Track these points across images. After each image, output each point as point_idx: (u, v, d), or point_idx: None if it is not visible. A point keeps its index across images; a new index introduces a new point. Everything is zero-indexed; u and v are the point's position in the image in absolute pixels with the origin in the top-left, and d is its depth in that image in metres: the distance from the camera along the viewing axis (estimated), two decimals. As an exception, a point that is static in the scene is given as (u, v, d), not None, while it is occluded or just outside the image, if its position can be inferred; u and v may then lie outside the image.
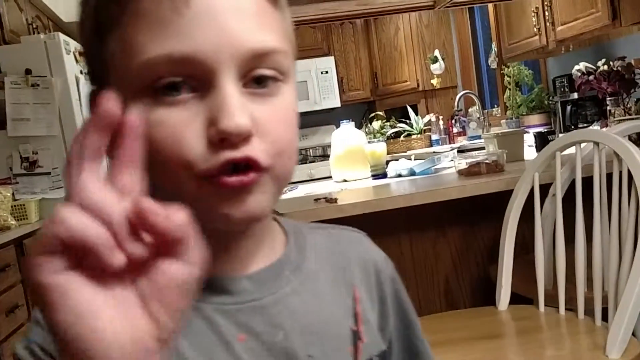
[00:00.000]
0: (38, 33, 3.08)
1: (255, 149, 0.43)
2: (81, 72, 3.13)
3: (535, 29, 2.83)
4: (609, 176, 1.32)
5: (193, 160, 0.41)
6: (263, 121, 0.44)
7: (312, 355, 0.49)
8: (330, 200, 1.68)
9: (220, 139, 0.41)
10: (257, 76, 0.44)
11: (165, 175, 0.42)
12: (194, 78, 0.42)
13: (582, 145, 1.38)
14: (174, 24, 0.40)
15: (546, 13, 2.72)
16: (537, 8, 2.79)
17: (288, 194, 2.22)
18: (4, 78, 2.81)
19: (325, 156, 4.73)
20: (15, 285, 2.44)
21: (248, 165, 0.42)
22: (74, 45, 3.11)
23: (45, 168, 2.87)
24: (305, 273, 0.52)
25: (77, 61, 3.10)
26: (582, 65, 2.66)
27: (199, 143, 0.41)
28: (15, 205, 2.70)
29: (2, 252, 2.35)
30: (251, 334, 0.47)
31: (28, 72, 2.83)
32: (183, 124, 0.41)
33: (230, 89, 0.41)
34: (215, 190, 0.42)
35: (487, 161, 1.80)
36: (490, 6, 3.38)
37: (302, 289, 0.51)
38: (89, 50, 0.47)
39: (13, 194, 2.74)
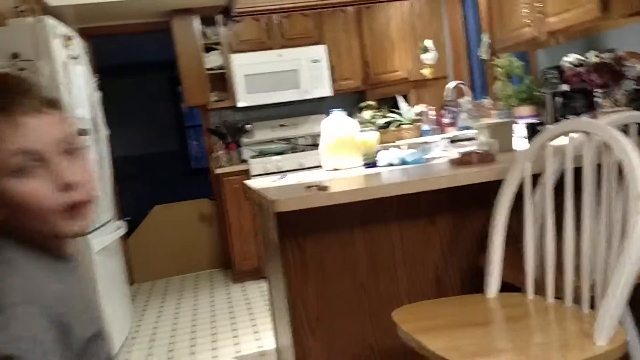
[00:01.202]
0: (26, 16, 3.03)
1: (84, 189, 0.84)
2: (70, 57, 3.09)
3: (526, 20, 2.84)
4: (599, 167, 1.33)
5: (52, 206, 0.79)
6: (80, 172, 0.83)
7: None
8: (321, 187, 1.68)
9: (66, 187, 0.79)
10: (66, 150, 0.81)
11: (37, 220, 0.78)
12: (35, 161, 0.77)
13: (573, 135, 1.39)
14: (15, 137, 0.76)
15: (536, 4, 2.72)
16: (529, -1, 2.79)
17: (279, 182, 2.22)
18: (-9, 61, 2.76)
19: (314, 145, 4.72)
20: None
21: (85, 201, 0.84)
22: (62, 29, 3.07)
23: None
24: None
25: (65, 46, 3.06)
26: (571, 57, 2.67)
27: (50, 194, 0.78)
28: (2, 191, 2.67)
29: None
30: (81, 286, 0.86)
31: (15, 56, 2.79)
32: (38, 187, 0.77)
33: (58, 159, 0.81)
34: (71, 217, 0.81)
35: (478, 151, 1.81)
36: (483, -4, 3.38)
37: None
38: None
39: None
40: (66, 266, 0.84)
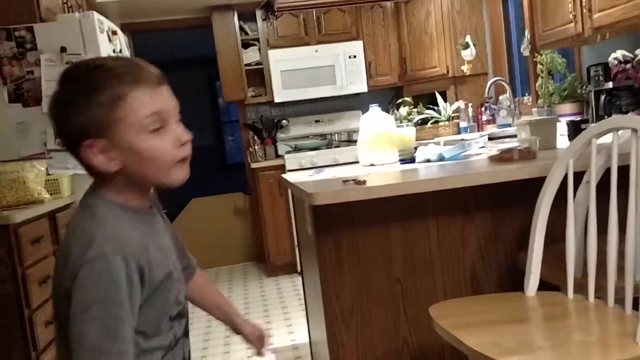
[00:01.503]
0: (73, 11, 3.13)
1: (189, 147, 1.01)
2: (114, 51, 3.17)
3: (571, 16, 2.77)
4: (645, 165, 1.30)
5: (171, 158, 0.96)
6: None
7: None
8: (359, 182, 1.69)
9: (182, 144, 0.97)
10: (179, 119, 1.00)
11: (158, 169, 0.95)
12: (163, 122, 0.95)
13: (620, 132, 1.36)
14: (154, 100, 0.95)
15: (583, 0, 2.66)
16: (574, -6, 2.72)
17: (315, 177, 2.24)
18: (40, 55, 2.87)
19: (350, 141, 4.72)
20: (48, 256, 2.51)
21: (189, 156, 1.01)
22: (107, 24, 3.15)
23: (78, 144, 2.93)
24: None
25: (110, 40, 3.14)
26: (619, 54, 2.60)
27: (171, 149, 0.95)
28: (48, 180, 2.77)
29: (36, 225, 2.42)
30: (157, 233, 1.00)
31: (63, 49, 2.88)
32: (164, 142, 0.95)
33: (178, 122, 0.99)
34: (181, 167, 0.98)
35: (519, 148, 1.79)
36: (525, -8, 3.31)
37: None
38: (91, 121, 0.91)
39: (47, 169, 2.80)
40: (147, 218, 0.99)
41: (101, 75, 0.91)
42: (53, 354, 2.41)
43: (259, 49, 4.63)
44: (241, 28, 4.63)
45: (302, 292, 2.69)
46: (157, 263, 0.93)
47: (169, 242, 1.04)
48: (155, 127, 0.92)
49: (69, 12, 3.21)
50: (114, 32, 3.23)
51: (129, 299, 0.86)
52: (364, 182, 1.67)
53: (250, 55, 4.64)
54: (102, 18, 3.05)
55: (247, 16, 4.62)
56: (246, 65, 4.61)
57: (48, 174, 2.80)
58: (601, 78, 2.85)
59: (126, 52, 3.40)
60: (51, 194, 2.74)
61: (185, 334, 1.04)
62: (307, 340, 2.74)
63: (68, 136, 0.94)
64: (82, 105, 0.90)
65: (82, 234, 0.89)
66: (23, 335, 2.23)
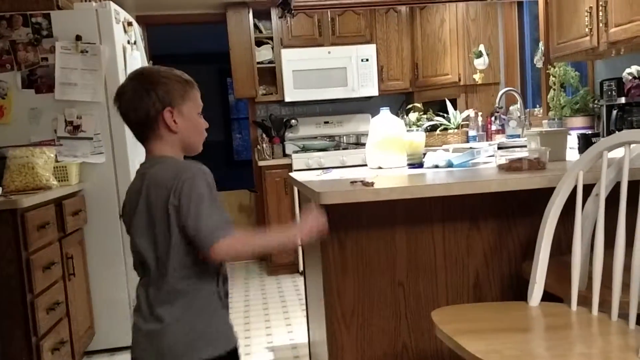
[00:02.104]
0: (89, 0, 3.15)
1: None
2: (128, 42, 3.19)
3: (586, 30, 2.76)
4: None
5: (203, 134, 1.45)
6: None
7: None
8: (367, 183, 1.69)
9: (206, 130, 1.46)
10: None
11: (197, 137, 1.43)
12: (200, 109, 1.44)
13: (632, 147, 1.36)
14: (199, 100, 1.44)
15: (600, 13, 2.65)
16: (590, 7, 2.71)
17: (323, 176, 2.24)
18: (55, 42, 2.89)
19: (358, 144, 4.73)
20: (52, 242, 2.52)
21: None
22: (123, 15, 3.17)
23: (88, 133, 2.94)
24: None
25: (125, 31, 3.16)
26: (633, 69, 2.59)
27: (204, 127, 1.45)
28: (57, 167, 2.79)
29: (43, 211, 2.43)
30: None
31: (78, 38, 2.90)
32: (203, 124, 1.45)
33: None
34: (201, 142, 1.46)
35: (529, 158, 1.78)
36: (541, 3, 3.31)
37: None
38: (170, 97, 1.37)
39: (56, 156, 2.82)
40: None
41: (177, 73, 1.41)
42: (54, 339, 2.42)
43: (272, 48, 4.64)
44: (255, 26, 4.64)
45: (302, 292, 2.69)
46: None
47: None
48: (198, 113, 1.42)
49: (86, 0, 3.23)
50: (130, 24, 3.25)
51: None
52: (372, 183, 1.67)
53: (263, 54, 4.65)
54: (118, 8, 3.07)
55: (261, 14, 4.64)
56: (258, 63, 4.62)
57: (57, 161, 2.82)
58: (614, 93, 2.84)
59: (140, 44, 3.42)
60: (59, 181, 2.76)
61: None
62: (306, 340, 2.74)
63: (154, 107, 1.34)
64: (170, 82, 1.37)
65: (171, 170, 1.31)
66: (24, 320, 2.24)
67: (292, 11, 3.70)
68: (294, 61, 4.48)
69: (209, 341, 1.33)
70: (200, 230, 1.25)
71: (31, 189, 2.56)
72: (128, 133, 3.00)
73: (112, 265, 3.01)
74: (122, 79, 3.00)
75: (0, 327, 2.17)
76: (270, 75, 4.65)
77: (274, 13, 4.55)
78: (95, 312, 3.01)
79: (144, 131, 1.37)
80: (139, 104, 1.34)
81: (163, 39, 5.35)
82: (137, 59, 3.31)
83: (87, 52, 2.90)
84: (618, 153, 1.39)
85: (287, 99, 4.50)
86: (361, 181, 1.74)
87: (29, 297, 2.25)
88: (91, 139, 2.95)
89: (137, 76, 1.40)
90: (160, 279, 1.32)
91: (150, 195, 1.31)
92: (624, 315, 1.29)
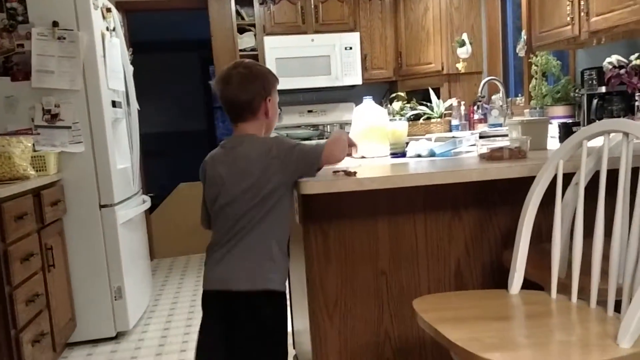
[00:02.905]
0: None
1: None
2: (107, 29, 3.13)
3: (568, 19, 2.77)
4: (634, 170, 1.30)
5: None
6: None
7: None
8: (349, 173, 1.68)
9: None
10: None
11: (274, 124, 1.79)
12: None
13: (611, 136, 1.36)
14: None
15: (581, 3, 2.66)
16: (572, -3, 2.73)
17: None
18: (31, 29, 2.82)
19: (342, 133, 4.71)
20: (31, 233, 2.48)
21: None
22: (102, 1, 3.11)
23: (66, 122, 2.89)
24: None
25: (103, 17, 3.10)
26: (613, 58, 2.61)
27: None
28: (35, 156, 2.74)
29: (21, 201, 2.39)
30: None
31: (55, 24, 2.84)
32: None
33: None
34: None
35: (510, 147, 1.79)
36: (524, -8, 3.31)
37: None
38: (268, 86, 1.73)
39: (33, 145, 2.76)
40: None
41: (265, 67, 1.77)
42: (34, 332, 2.39)
43: (255, 35, 4.59)
44: (237, 12, 4.58)
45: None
46: None
47: None
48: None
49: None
50: (109, 10, 3.18)
51: None
52: (354, 173, 1.67)
53: (246, 41, 4.60)
54: (96, -6, 3.00)
55: (244, 0, 4.58)
56: (241, 50, 4.57)
57: (34, 150, 2.77)
58: (595, 82, 2.86)
59: (120, 31, 3.35)
60: (37, 171, 2.71)
61: None
62: (290, 329, 2.74)
63: (259, 95, 1.66)
64: (268, 75, 1.70)
65: (265, 142, 1.65)
66: (3, 312, 2.20)
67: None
68: (277, 49, 4.44)
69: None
70: (309, 156, 1.61)
71: (8, 179, 2.50)
72: (107, 121, 2.98)
73: (93, 256, 2.98)
74: (101, 66, 2.94)
75: (-22, 320, 2.13)
76: (253, 63, 4.60)
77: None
78: (76, 303, 2.98)
79: (244, 113, 1.65)
80: (250, 88, 1.62)
81: (144, 25, 5.26)
82: (117, 46, 3.25)
83: (64, 38, 2.84)
84: (598, 142, 1.40)
85: (270, 88, 4.46)
86: (343, 171, 1.73)
87: (7, 289, 2.22)
88: (70, 127, 2.90)
89: (241, 66, 1.66)
90: None
91: (252, 171, 1.60)
92: (602, 302, 1.30)
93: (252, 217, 1.62)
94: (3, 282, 2.20)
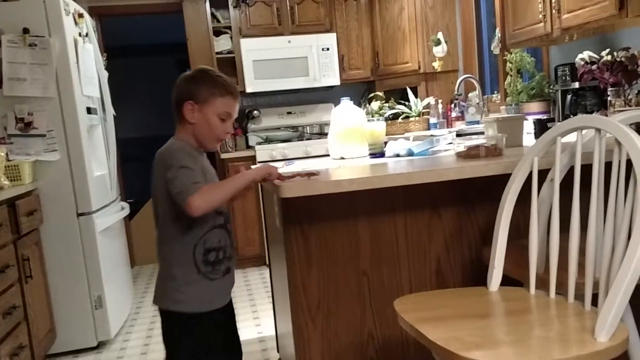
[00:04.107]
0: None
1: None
2: (80, 35, 3.08)
3: (540, 16, 2.81)
4: (608, 165, 1.32)
5: (217, 135, 1.67)
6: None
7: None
8: (309, 174, 1.67)
9: (226, 134, 1.69)
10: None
11: (208, 136, 1.65)
12: (228, 118, 1.67)
13: (584, 132, 1.38)
14: (232, 107, 1.66)
15: (553, 0, 2.70)
16: (544, -6, 2.77)
17: (285, 169, 2.22)
18: (1, 36, 2.76)
19: (321, 134, 4.72)
20: (6, 245, 2.43)
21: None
22: (74, 6, 3.06)
23: (40, 130, 2.84)
24: None
25: (75, 23, 3.05)
26: (585, 54, 2.65)
27: (221, 132, 1.67)
28: (9, 166, 2.68)
29: (-5, 212, 2.34)
30: (206, 163, 1.73)
31: (26, 31, 2.79)
32: (221, 127, 1.65)
33: (231, 123, 1.70)
34: (216, 144, 1.71)
35: (486, 145, 1.80)
36: (497, -10, 3.35)
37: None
38: (198, 93, 1.63)
39: (7, 155, 2.71)
40: (197, 154, 1.65)
41: (216, 77, 1.64)
42: (12, 345, 2.34)
43: (231, 37, 4.57)
44: (213, 15, 4.56)
45: (269, 284, 2.68)
46: (203, 169, 1.62)
47: (213, 172, 1.72)
48: (222, 118, 1.63)
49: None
50: (81, 15, 3.13)
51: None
52: (313, 174, 1.66)
53: (222, 44, 4.58)
54: (67, 0, 2.96)
55: (219, 3, 4.55)
56: (217, 53, 4.54)
57: (8, 160, 2.71)
58: (568, 78, 2.91)
59: (93, 36, 3.30)
60: (11, 181, 2.66)
61: (221, 226, 1.67)
62: (273, 332, 2.73)
63: (181, 96, 1.62)
64: (204, 83, 1.61)
65: (168, 147, 1.61)
66: (-21, 325, 2.16)
67: (247, 1, 3.63)
68: (254, 51, 4.42)
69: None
70: (175, 191, 1.50)
71: (-19, 189, 2.45)
72: (83, 128, 2.94)
73: (72, 265, 2.93)
74: (74, 72, 2.90)
75: (-47, 335, 2.08)
76: (230, 65, 4.58)
77: (230, 2, 4.47)
78: (56, 313, 2.93)
79: (174, 113, 1.66)
80: (179, 88, 1.63)
81: (118, 30, 5.20)
82: (90, 52, 3.21)
83: (35, 45, 2.79)
84: (572, 138, 1.42)
85: (249, 90, 4.44)
86: (307, 174, 1.70)
87: (-17, 303, 2.17)
88: (44, 135, 2.85)
89: (199, 69, 1.69)
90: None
91: (153, 176, 1.60)
92: (580, 296, 1.32)
93: (157, 230, 1.65)
94: (-22, 295, 2.15)
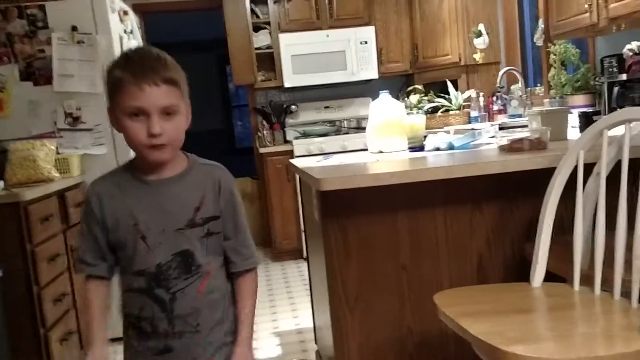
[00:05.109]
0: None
1: (162, 139, 1.16)
2: (125, 32, 3.17)
3: (586, 6, 2.72)
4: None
5: (140, 140, 1.16)
6: (167, 128, 1.17)
7: (173, 209, 1.22)
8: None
9: (151, 135, 1.15)
10: (166, 112, 1.16)
11: (134, 145, 1.18)
12: (143, 113, 1.14)
13: (632, 124, 1.35)
14: (137, 96, 1.13)
15: (600, -11, 2.61)
16: (590, -17, 2.68)
17: (324, 162, 2.23)
18: (51, 34, 2.87)
19: (359, 128, 4.70)
20: (56, 235, 2.54)
21: (161, 145, 1.17)
22: (119, 4, 3.15)
23: (88, 124, 2.94)
24: (184, 181, 1.25)
25: (121, 20, 3.14)
26: (634, 45, 2.56)
27: (143, 135, 1.15)
28: (58, 159, 2.79)
29: (46, 203, 2.44)
30: (154, 199, 1.22)
31: (74, 29, 2.88)
32: (138, 128, 1.15)
33: (155, 118, 1.15)
34: (150, 151, 1.17)
35: (530, 138, 1.77)
36: (541, -20, 3.26)
37: (177, 187, 1.24)
38: (108, 92, 1.19)
39: (57, 148, 2.82)
40: (140, 183, 1.24)
41: (113, 64, 1.19)
42: (61, 330, 2.44)
43: (270, 33, 4.61)
44: (252, 11, 4.60)
45: (307, 277, 2.70)
46: (123, 216, 1.22)
47: (168, 209, 1.23)
48: (135, 115, 1.15)
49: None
50: (125, 12, 3.22)
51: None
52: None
53: (261, 39, 4.62)
54: (113, -2, 3.04)
55: (259, -1, 4.60)
56: (257, 48, 4.58)
57: (58, 153, 2.82)
58: (615, 69, 2.81)
59: (137, 33, 3.39)
60: (61, 173, 2.76)
61: (142, 291, 1.23)
62: (311, 325, 2.76)
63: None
64: (109, 73, 1.18)
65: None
66: (32, 312, 2.26)
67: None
68: (292, 46, 4.44)
69: None
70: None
71: (33, 181, 2.56)
72: (128, 123, 3.02)
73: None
74: (119, 69, 2.98)
75: (8, 320, 2.19)
76: (269, 60, 4.62)
77: (271, -3, 4.50)
78: (101, 302, 3.03)
79: None
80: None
81: (160, 27, 5.31)
82: (135, 49, 3.29)
83: (83, 42, 2.88)
84: (619, 131, 1.38)
85: (287, 85, 4.47)
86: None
87: (35, 290, 2.27)
88: (91, 130, 2.95)
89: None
90: None
91: None
92: (626, 293, 1.29)
93: None
94: (31, 282, 2.25)
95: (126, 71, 1.14)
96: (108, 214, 1.22)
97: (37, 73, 2.89)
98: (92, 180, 1.26)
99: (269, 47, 4.60)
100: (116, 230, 1.21)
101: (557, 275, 1.50)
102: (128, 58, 1.18)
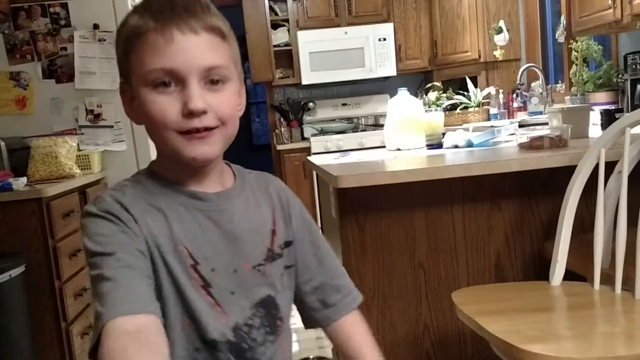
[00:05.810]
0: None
1: (208, 119, 0.76)
2: (145, 30, 3.20)
3: (609, 2, 2.68)
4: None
5: (170, 123, 0.75)
6: (213, 104, 0.76)
7: (246, 237, 0.83)
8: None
9: (189, 113, 0.74)
10: (210, 79, 0.76)
11: (160, 136, 0.77)
12: (176, 80, 0.74)
13: (656, 122, 1.32)
14: (164, 51, 0.73)
15: (623, -16, 2.57)
16: (613, -21, 2.63)
17: (341, 159, 2.23)
18: (74, 32, 2.91)
19: (377, 125, 4.70)
20: (78, 230, 2.58)
21: (204, 128, 0.76)
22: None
23: (109, 121, 2.98)
24: (244, 197, 0.87)
25: (141, 18, 3.17)
26: (658, 41, 2.51)
27: (176, 114, 0.75)
28: (79, 155, 2.83)
29: (67, 199, 2.48)
30: (215, 224, 0.81)
31: (96, 26, 2.92)
32: (167, 104, 0.75)
33: (194, 87, 0.74)
34: (189, 142, 0.76)
35: (550, 136, 1.75)
36: (563, -24, 3.22)
37: (241, 205, 0.85)
38: (120, 60, 0.80)
39: (78, 145, 2.86)
40: (188, 202, 0.79)
41: (140, 4, 0.77)
42: (83, 324, 2.48)
43: (288, 30, 4.61)
44: (271, 8, 4.61)
45: (324, 273, 2.71)
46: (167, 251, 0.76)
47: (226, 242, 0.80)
48: (161, 83, 0.74)
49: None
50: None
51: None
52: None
53: (279, 36, 4.63)
54: (134, -4, 3.08)
55: (277, -4, 4.61)
56: (275, 46, 4.60)
57: (79, 150, 2.87)
58: (638, 66, 2.76)
59: (157, 31, 3.43)
60: (82, 170, 2.80)
61: None
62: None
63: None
64: (119, 32, 0.79)
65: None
66: (54, 306, 2.30)
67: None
68: (310, 43, 4.45)
69: None
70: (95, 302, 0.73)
71: (55, 178, 2.60)
72: (148, 120, 3.05)
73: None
74: (140, 66, 3.02)
75: (30, 313, 2.23)
76: (287, 58, 4.63)
77: (290, -6, 4.51)
78: (121, 296, 3.07)
79: None
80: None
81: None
82: (154, 46, 3.33)
83: (104, 40, 2.92)
84: (642, 129, 1.36)
85: (304, 82, 4.48)
86: None
87: (57, 284, 2.31)
88: (112, 127, 2.99)
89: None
90: None
91: None
92: (648, 293, 1.27)
93: None
94: (53, 277, 2.30)
95: (146, 15, 0.73)
96: (151, 242, 0.76)
97: (59, 71, 2.94)
98: (99, 195, 0.82)
99: (287, 45, 4.61)
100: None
101: (576, 274, 1.48)
102: (150, 1, 0.76)
